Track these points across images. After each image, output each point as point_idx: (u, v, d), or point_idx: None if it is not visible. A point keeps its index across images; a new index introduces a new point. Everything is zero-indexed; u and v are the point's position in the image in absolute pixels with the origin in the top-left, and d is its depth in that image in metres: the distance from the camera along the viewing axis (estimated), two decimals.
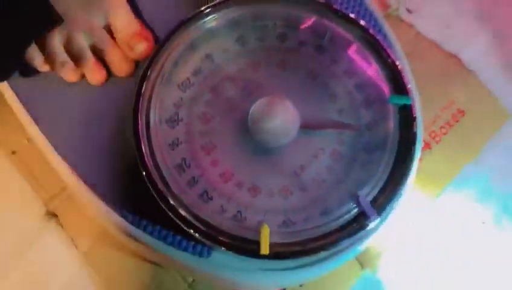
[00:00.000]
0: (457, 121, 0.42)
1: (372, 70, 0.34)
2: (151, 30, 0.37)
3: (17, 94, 0.36)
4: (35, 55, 0.34)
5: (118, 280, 0.38)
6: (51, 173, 0.34)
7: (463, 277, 0.40)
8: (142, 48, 0.34)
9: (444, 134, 0.42)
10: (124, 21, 0.34)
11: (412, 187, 0.33)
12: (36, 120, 0.35)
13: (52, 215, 0.38)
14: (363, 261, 0.38)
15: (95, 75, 0.34)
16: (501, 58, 0.44)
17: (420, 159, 0.34)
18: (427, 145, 0.42)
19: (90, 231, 0.38)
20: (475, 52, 0.43)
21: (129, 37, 0.34)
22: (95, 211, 0.33)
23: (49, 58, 0.34)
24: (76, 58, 0.34)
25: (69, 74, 0.34)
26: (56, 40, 0.33)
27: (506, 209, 0.41)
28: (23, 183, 0.40)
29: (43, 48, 0.33)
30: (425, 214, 0.41)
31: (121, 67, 0.34)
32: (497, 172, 0.41)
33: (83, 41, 0.34)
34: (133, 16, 0.35)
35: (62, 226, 0.38)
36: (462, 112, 0.42)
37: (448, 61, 0.43)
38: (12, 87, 0.36)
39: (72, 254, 0.38)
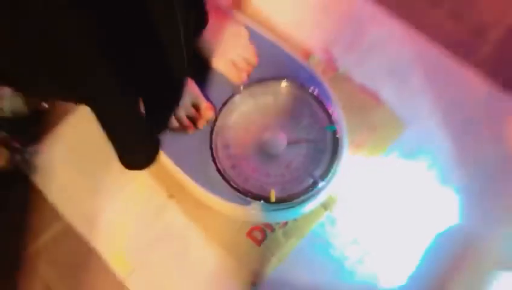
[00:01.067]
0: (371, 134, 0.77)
1: (321, 114, 0.72)
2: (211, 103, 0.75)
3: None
4: (173, 122, 0.73)
5: (213, 229, 0.75)
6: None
7: (398, 215, 0.74)
8: (211, 114, 0.73)
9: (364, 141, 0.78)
10: (202, 103, 0.73)
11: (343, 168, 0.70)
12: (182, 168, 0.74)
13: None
14: (326, 206, 0.75)
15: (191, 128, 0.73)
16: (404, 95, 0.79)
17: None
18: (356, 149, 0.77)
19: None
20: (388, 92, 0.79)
21: (204, 109, 0.73)
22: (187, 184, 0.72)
23: (178, 121, 0.72)
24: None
25: (189, 129, 0.73)
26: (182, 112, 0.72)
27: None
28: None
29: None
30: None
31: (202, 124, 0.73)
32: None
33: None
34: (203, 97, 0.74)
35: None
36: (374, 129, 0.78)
37: (369, 98, 0.79)
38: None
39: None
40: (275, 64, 0.77)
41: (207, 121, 0.74)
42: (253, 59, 0.77)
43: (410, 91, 0.81)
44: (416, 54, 0.84)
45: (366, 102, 0.80)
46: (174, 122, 0.73)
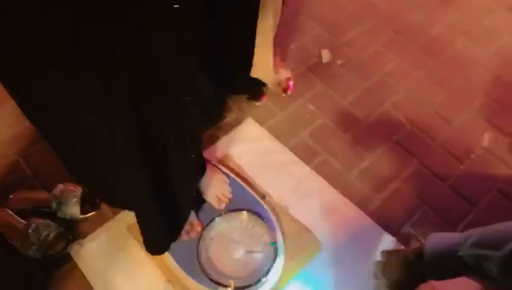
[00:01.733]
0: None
1: (267, 235, 1.17)
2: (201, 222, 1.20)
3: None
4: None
5: None
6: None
7: None
8: (199, 229, 1.18)
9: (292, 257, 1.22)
10: (195, 222, 1.18)
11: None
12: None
13: None
14: None
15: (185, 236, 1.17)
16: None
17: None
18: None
19: None
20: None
21: (196, 225, 1.18)
22: (180, 274, 1.13)
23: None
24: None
25: (185, 237, 1.17)
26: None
27: None
28: None
29: None
30: None
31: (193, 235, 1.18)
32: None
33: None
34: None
35: None
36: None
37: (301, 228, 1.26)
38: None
39: None
40: (242, 200, 1.25)
41: (197, 233, 1.18)
42: (229, 196, 1.25)
43: (327, 229, 1.28)
44: (332, 203, 1.34)
45: (299, 229, 1.26)
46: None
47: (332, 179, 1.38)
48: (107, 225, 1.26)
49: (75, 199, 1.24)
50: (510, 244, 0.68)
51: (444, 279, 0.84)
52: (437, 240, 0.85)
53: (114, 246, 1.22)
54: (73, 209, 1.24)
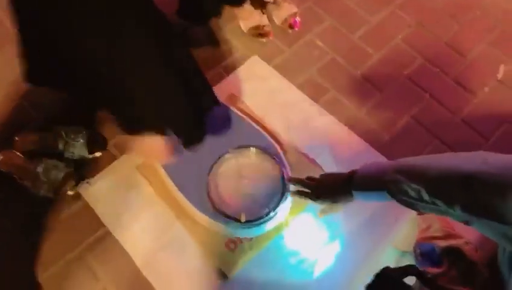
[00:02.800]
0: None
1: (276, 170, 1.17)
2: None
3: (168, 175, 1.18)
4: None
5: (202, 240, 1.16)
6: None
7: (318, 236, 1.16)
8: None
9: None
10: None
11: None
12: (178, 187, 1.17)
13: None
14: (277, 229, 1.15)
15: None
16: None
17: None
18: None
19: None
20: None
21: None
22: (189, 209, 1.14)
23: None
24: None
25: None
26: None
27: None
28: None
29: None
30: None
31: None
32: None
33: None
34: None
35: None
36: None
37: (309, 162, 1.25)
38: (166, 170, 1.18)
39: None
40: (250, 137, 1.23)
41: None
42: None
43: (336, 164, 1.27)
44: (340, 138, 1.32)
45: (307, 165, 1.25)
46: None
47: (342, 116, 1.35)
48: (115, 164, 1.26)
49: (81, 140, 1.24)
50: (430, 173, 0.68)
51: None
52: (370, 165, 0.83)
53: (123, 184, 1.23)
54: (81, 150, 1.24)
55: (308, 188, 1.02)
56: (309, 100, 1.38)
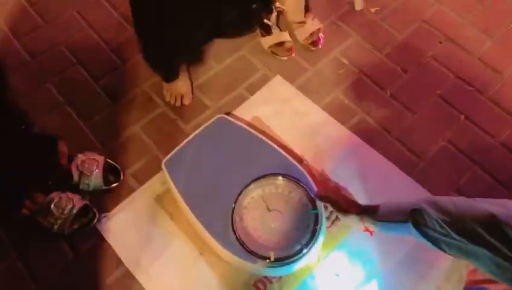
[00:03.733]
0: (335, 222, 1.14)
1: (306, 201, 1.08)
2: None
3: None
4: None
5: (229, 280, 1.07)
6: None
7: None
8: None
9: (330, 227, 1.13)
10: None
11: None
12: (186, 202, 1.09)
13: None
14: (309, 266, 1.07)
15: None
16: None
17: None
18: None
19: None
20: None
21: None
22: (214, 246, 1.06)
23: None
24: None
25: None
26: None
27: None
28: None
29: None
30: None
31: None
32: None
33: None
34: None
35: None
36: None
37: None
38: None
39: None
40: (277, 165, 1.15)
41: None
42: None
43: (368, 193, 1.18)
44: (372, 165, 1.24)
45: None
46: None
47: (371, 140, 1.27)
48: (134, 195, 1.18)
49: (97, 170, 1.16)
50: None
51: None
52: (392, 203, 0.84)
53: (142, 218, 1.15)
54: (96, 181, 1.16)
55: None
56: (335, 122, 1.30)
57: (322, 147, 1.26)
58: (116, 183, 1.19)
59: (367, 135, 1.28)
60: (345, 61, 1.42)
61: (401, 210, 0.79)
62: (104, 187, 1.17)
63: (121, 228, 1.13)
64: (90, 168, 1.16)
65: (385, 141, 1.27)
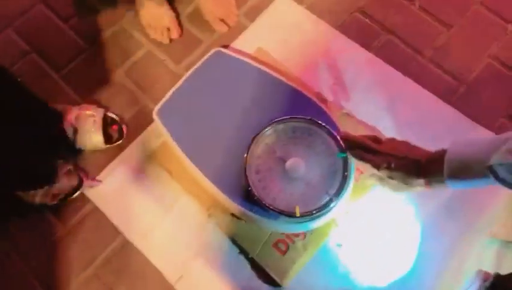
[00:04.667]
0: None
1: (332, 144, 0.89)
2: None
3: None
4: None
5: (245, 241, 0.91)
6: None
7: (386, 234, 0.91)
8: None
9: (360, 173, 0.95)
10: None
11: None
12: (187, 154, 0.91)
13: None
14: (336, 221, 0.91)
15: None
16: None
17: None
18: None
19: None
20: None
21: None
22: (225, 203, 0.89)
23: None
24: None
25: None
26: None
27: None
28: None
29: None
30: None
31: None
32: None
33: None
34: None
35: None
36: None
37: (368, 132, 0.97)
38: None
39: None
40: (294, 105, 0.96)
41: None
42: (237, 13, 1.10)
43: (400, 124, 1.00)
44: (403, 94, 1.03)
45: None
46: None
47: (400, 64, 1.06)
48: (124, 154, 1.00)
49: (95, 126, 0.97)
50: None
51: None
52: (464, 145, 0.61)
53: (137, 179, 0.98)
54: (95, 138, 0.97)
55: (372, 155, 0.74)
56: (356, 46, 1.08)
57: (342, 78, 1.05)
58: (120, 141, 1.00)
59: (394, 58, 1.06)
60: None
61: (477, 164, 0.58)
62: (105, 146, 0.99)
63: (114, 192, 0.96)
64: (87, 124, 0.97)
65: (416, 64, 1.06)
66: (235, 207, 0.89)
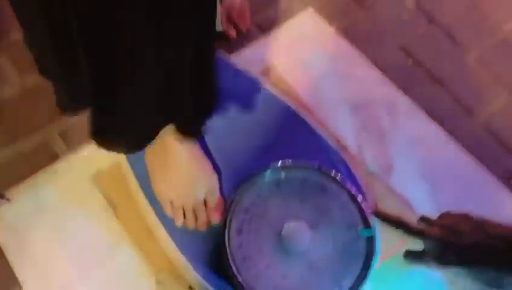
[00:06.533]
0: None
1: (355, 213, 0.62)
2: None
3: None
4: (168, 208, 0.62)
5: None
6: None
7: None
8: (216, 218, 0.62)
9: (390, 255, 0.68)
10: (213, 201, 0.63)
11: None
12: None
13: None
14: None
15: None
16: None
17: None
18: None
19: None
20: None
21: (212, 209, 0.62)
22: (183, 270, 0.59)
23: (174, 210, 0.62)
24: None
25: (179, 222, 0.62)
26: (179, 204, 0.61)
27: None
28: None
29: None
30: None
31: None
32: None
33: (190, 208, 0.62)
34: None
35: None
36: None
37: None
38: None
39: None
40: (306, 147, 0.69)
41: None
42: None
43: (444, 201, 0.73)
44: (449, 161, 0.78)
45: (399, 208, 0.71)
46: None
47: (445, 122, 0.81)
48: (56, 167, 0.70)
49: None
50: None
51: None
52: None
53: (65, 207, 0.67)
54: None
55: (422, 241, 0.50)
56: (397, 91, 0.84)
57: (373, 125, 0.79)
58: None
59: (439, 113, 0.82)
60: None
61: None
62: None
63: (25, 223, 0.65)
64: None
65: (466, 127, 0.82)
66: (195, 278, 0.59)
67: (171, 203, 0.61)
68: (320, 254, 0.60)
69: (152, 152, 0.62)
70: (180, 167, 0.61)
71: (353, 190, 0.63)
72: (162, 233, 0.62)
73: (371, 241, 0.60)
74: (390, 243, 0.64)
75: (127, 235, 0.65)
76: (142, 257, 0.64)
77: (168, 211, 0.61)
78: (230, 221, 0.60)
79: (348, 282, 0.58)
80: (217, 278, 0.59)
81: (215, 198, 0.63)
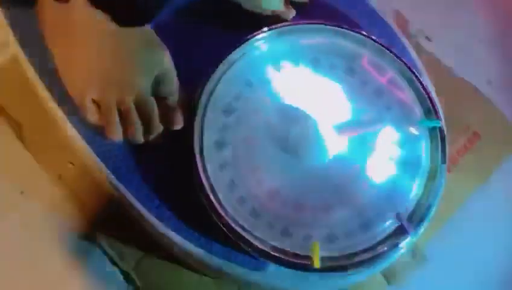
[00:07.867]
0: (473, 144, 0.45)
1: (411, 100, 0.37)
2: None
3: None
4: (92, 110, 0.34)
5: None
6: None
7: None
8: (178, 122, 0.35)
9: (461, 157, 0.45)
10: (173, 91, 0.36)
11: None
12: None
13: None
14: (389, 276, 0.41)
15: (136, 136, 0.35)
16: None
17: None
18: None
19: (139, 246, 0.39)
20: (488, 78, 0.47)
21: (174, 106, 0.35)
22: (153, 229, 0.34)
23: (102, 113, 0.34)
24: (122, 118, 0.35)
25: (116, 132, 0.35)
26: (112, 101, 0.34)
27: None
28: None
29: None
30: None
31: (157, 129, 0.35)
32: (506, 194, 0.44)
33: (132, 106, 0.34)
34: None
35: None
36: (477, 136, 0.46)
37: (463, 86, 0.47)
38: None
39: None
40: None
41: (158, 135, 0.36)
42: None
43: None
44: None
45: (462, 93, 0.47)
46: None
47: None
48: None
49: None
50: None
51: None
52: None
53: None
54: None
55: None
56: None
57: None
58: None
59: None
60: None
61: None
62: None
63: None
64: None
65: None
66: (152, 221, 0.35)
67: (96, 101, 0.35)
68: (355, 168, 0.35)
69: (51, 6, 0.34)
70: (107, 35, 0.33)
71: (412, 68, 0.38)
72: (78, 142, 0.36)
73: (443, 140, 0.36)
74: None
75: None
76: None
77: (92, 115, 0.35)
78: (201, 129, 0.35)
79: (407, 207, 0.34)
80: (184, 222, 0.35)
81: (170, 90, 0.36)
